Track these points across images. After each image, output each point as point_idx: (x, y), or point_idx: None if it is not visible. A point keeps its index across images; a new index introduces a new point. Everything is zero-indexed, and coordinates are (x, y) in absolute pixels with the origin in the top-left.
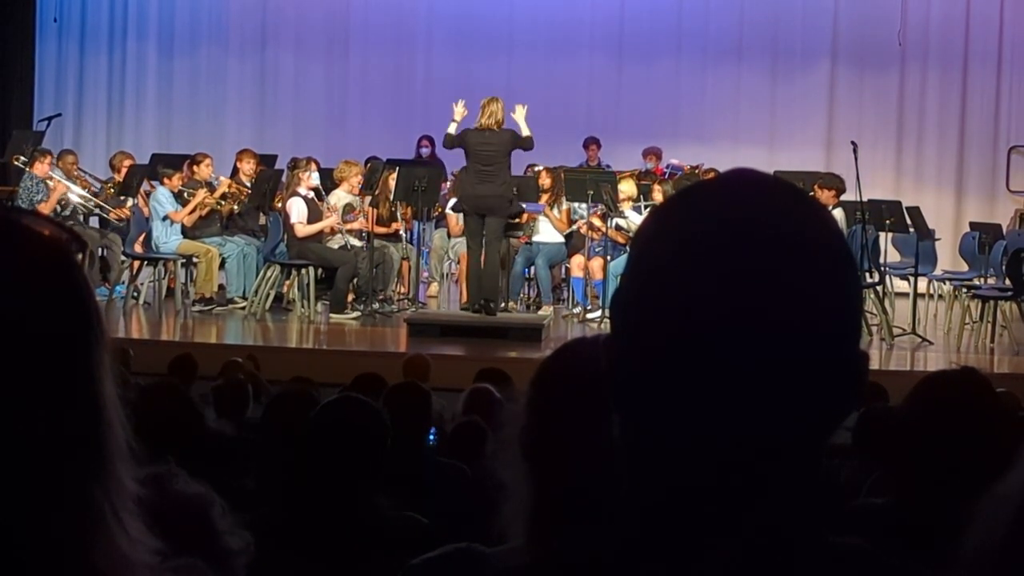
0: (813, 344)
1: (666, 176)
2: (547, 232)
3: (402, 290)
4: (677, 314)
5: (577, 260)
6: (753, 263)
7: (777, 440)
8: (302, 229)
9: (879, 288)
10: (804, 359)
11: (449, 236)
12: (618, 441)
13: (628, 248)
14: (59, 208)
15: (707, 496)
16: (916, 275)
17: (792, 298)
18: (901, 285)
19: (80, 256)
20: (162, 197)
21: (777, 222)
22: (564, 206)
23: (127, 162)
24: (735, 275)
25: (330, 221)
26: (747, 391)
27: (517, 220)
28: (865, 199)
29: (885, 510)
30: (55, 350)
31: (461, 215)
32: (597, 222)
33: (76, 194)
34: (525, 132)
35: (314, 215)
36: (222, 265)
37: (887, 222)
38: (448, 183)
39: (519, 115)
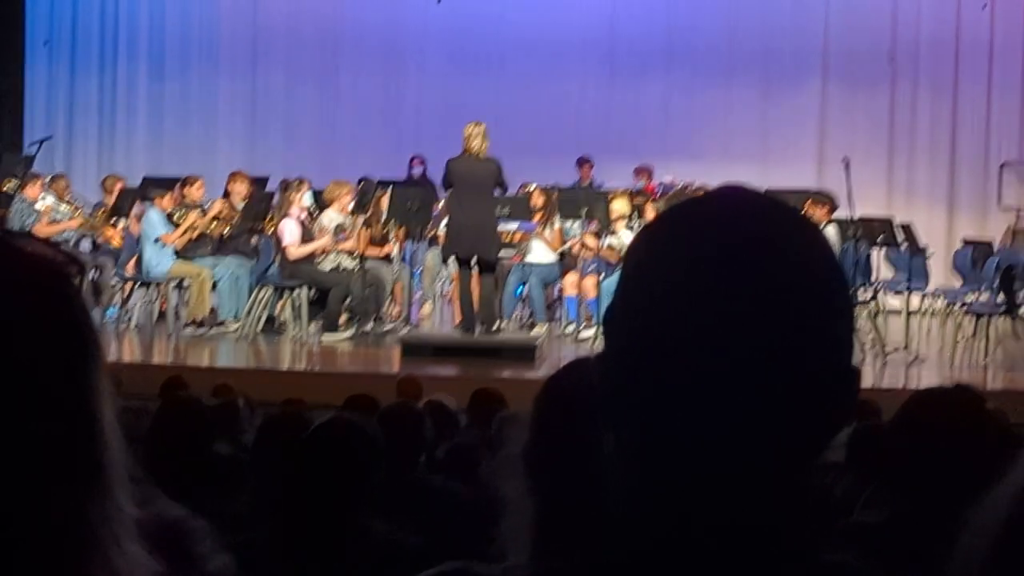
0: (804, 361)
1: (658, 194)
2: (540, 252)
3: (395, 310)
4: (667, 332)
5: (570, 279)
6: (743, 280)
7: (768, 457)
8: (295, 250)
9: (872, 305)
10: (795, 376)
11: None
12: (611, 457)
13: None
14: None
15: (698, 513)
16: (909, 291)
17: (783, 315)
18: (894, 302)
19: (78, 279)
20: (154, 219)
21: (767, 239)
22: (556, 225)
23: (119, 184)
24: (725, 292)
25: (323, 242)
26: (738, 408)
27: (509, 238)
28: (857, 216)
29: (878, 527)
30: (53, 373)
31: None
32: (590, 241)
33: (58, 210)
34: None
35: (306, 236)
36: (214, 287)
37: (879, 238)
38: (441, 203)
39: None
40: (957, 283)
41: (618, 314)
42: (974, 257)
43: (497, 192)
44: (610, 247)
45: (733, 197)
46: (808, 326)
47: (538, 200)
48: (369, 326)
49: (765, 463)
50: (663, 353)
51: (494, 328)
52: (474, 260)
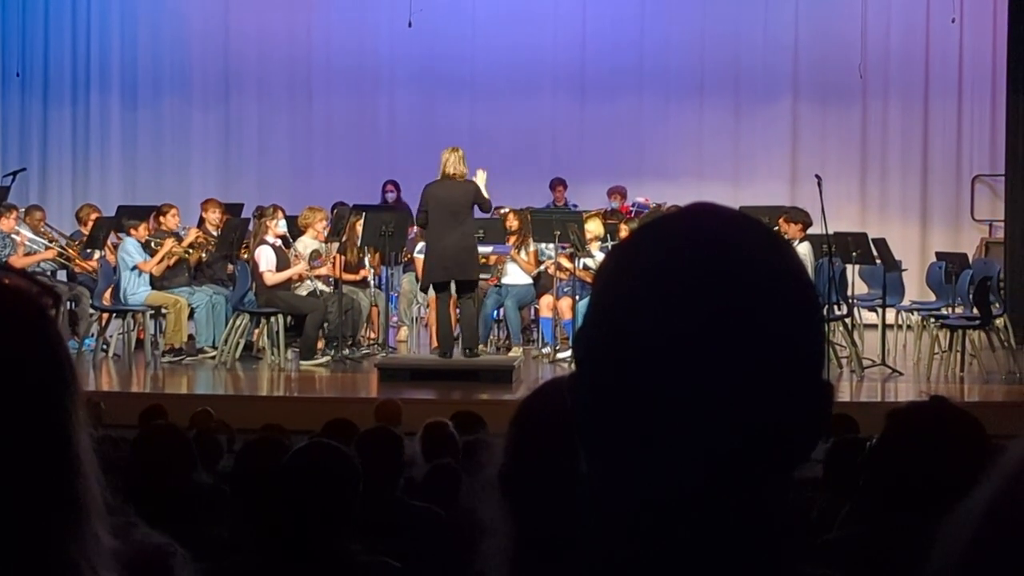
0: (776, 375)
1: (632, 215)
2: (515, 274)
3: (372, 335)
4: (636, 349)
5: (546, 300)
6: (712, 295)
7: (743, 472)
8: (271, 277)
9: (847, 320)
10: (766, 391)
11: (418, 280)
12: (585, 477)
13: None
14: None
15: (674, 531)
16: (884, 306)
17: (753, 330)
18: (869, 317)
19: (53, 310)
20: (130, 248)
21: (736, 254)
22: (531, 247)
23: (94, 215)
24: (694, 308)
25: (299, 268)
26: (708, 423)
27: (484, 261)
28: (831, 232)
29: (857, 542)
30: (29, 405)
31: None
32: (565, 262)
33: (33, 240)
34: (484, 195)
35: (282, 263)
36: (191, 315)
37: (854, 254)
38: (415, 227)
39: (480, 179)
40: (932, 297)
41: (589, 333)
42: (948, 270)
43: (478, 212)
44: (585, 268)
45: (701, 214)
46: (779, 340)
47: (512, 223)
48: (346, 351)
49: (740, 479)
50: (633, 371)
51: (476, 351)
52: (453, 286)
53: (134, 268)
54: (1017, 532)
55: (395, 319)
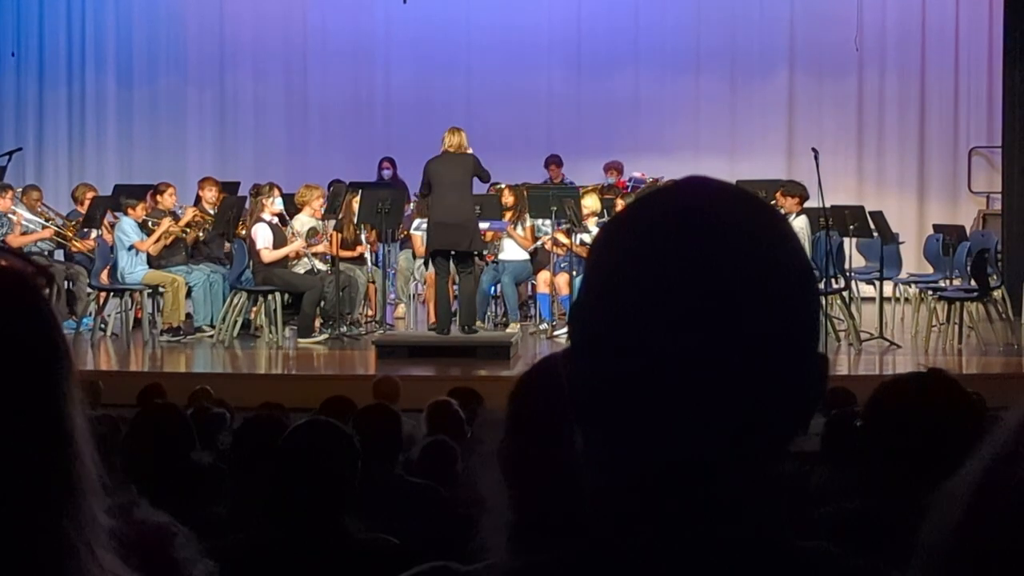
0: (770, 347)
1: (629, 189)
2: (512, 250)
3: (369, 312)
4: (630, 323)
5: (543, 276)
6: (705, 268)
7: (737, 444)
8: (268, 254)
9: (845, 293)
10: (761, 364)
11: (414, 257)
12: (582, 451)
13: None
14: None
15: (669, 503)
16: (882, 279)
17: (746, 302)
18: (867, 290)
19: (47, 290)
20: (127, 227)
21: (729, 227)
22: (528, 223)
23: (90, 194)
24: (687, 281)
25: (296, 246)
26: (703, 395)
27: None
28: (828, 205)
29: (854, 514)
30: (23, 385)
31: (424, 235)
32: (562, 238)
33: (30, 220)
34: (483, 167)
35: (279, 240)
36: (189, 294)
37: (851, 227)
38: (412, 204)
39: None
40: (929, 269)
41: (583, 308)
42: (946, 243)
43: (476, 183)
44: (582, 244)
45: (695, 187)
46: (773, 312)
47: (508, 198)
48: (343, 329)
49: (734, 451)
50: (627, 344)
51: (474, 327)
52: (453, 258)
53: (131, 248)
54: (1012, 502)
55: (392, 296)
